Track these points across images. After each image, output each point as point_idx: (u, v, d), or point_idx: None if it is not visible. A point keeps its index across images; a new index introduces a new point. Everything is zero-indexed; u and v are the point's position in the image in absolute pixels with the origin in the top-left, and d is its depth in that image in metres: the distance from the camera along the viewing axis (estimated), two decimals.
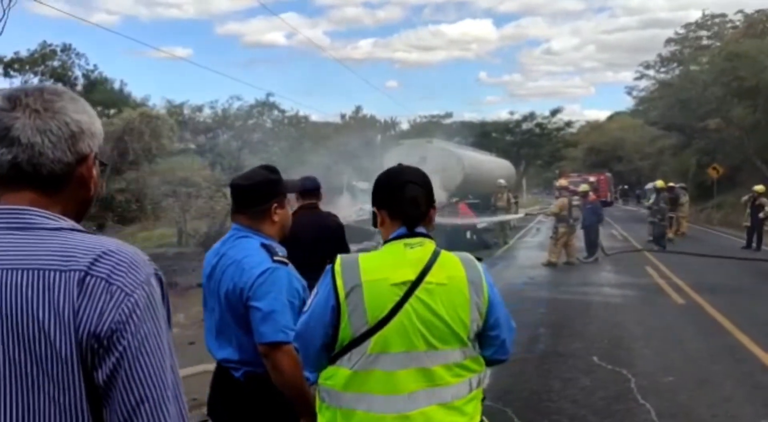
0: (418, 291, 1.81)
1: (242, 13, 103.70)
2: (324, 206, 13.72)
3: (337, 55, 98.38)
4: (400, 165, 2.11)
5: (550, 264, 13.85)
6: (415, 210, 1.92)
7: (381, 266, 1.86)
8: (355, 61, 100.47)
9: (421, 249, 1.88)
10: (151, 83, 75.62)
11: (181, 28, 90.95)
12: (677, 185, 24.00)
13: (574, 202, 14.48)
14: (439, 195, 16.65)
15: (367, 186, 17.04)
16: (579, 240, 15.29)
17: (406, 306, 1.80)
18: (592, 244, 15.17)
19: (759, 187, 17.96)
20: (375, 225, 2.00)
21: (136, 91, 50.31)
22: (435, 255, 1.87)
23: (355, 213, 13.52)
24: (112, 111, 32.86)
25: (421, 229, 1.94)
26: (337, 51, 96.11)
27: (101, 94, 34.18)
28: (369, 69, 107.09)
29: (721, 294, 10.25)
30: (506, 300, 6.84)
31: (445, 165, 18.45)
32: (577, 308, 9.17)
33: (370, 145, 25.54)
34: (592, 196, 15.77)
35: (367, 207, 13.80)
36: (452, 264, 1.89)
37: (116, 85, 36.90)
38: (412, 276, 1.82)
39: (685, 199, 22.98)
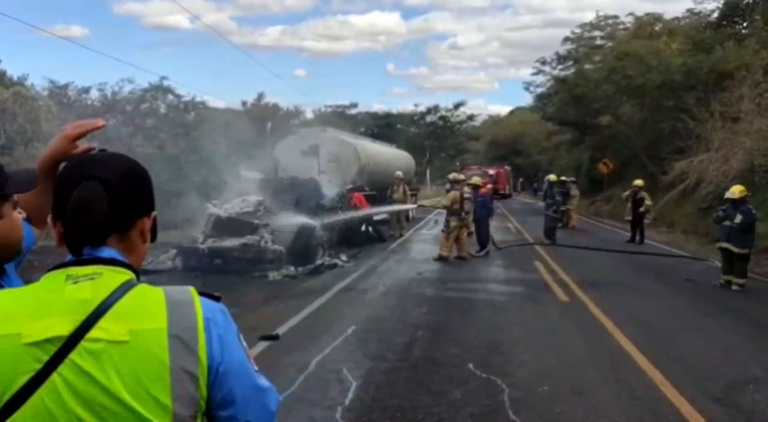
0: (75, 354, 1.13)
1: None
2: (211, 197, 12.69)
3: (243, 41, 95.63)
4: (93, 153, 1.44)
5: (441, 259, 13.55)
6: (82, 219, 1.23)
7: (14, 313, 1.16)
8: (263, 49, 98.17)
9: (92, 284, 1.19)
10: (33, 63, 70.37)
11: (76, 5, 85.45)
12: (568, 179, 24.56)
13: (466, 195, 14.27)
14: (334, 186, 16.14)
15: (256, 175, 16.21)
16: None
17: (53, 378, 1.12)
18: (483, 238, 15.05)
19: (638, 182, 18.41)
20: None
21: (13, 69, 46.41)
22: (116, 295, 1.19)
23: (237, 205, 12.64)
24: None
25: (105, 252, 1.25)
26: (244, 37, 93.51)
27: None
28: (277, 57, 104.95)
29: (604, 290, 10.23)
30: (391, 298, 6.24)
31: (341, 155, 17.88)
32: (460, 307, 8.80)
33: (265, 133, 24.56)
34: (482, 189, 15.60)
35: (252, 198, 13.03)
36: (145, 310, 1.21)
37: None
38: (65, 329, 1.14)
39: (575, 192, 23.55)
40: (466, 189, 14.69)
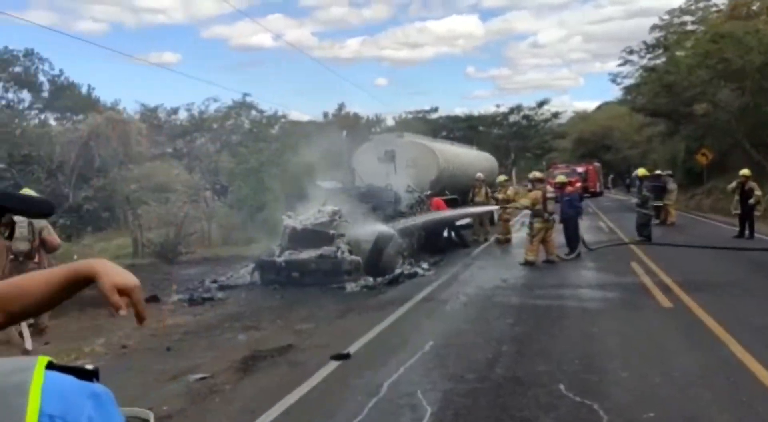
0: None
1: (228, 17, 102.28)
2: (287, 209, 12.54)
3: (325, 54, 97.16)
4: None
5: (527, 264, 12.77)
6: None
7: None
8: (344, 61, 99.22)
9: None
10: (126, 88, 74.29)
11: (167, 33, 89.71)
12: (664, 172, 23.01)
13: (549, 195, 13.41)
14: (412, 192, 15.66)
15: (333, 185, 15.97)
16: (560, 234, 14.27)
17: None
18: (572, 239, 14.12)
19: (745, 171, 16.84)
20: None
21: (107, 95, 48.98)
22: None
23: (313, 216, 12.37)
24: (79, 116, 31.63)
25: None
26: (324, 51, 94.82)
27: (67, 99, 32.99)
28: (357, 68, 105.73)
29: (712, 292, 9.19)
30: (472, 309, 5.52)
31: (419, 160, 17.37)
32: (549, 317, 8.06)
33: (342, 142, 24.47)
34: (569, 187, 14.67)
35: (327, 208, 12.74)
36: None
37: (84, 90, 35.56)
38: None
39: (672, 186, 21.98)
40: (549, 188, 13.84)
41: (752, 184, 16.32)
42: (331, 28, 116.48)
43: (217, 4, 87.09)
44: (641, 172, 18.16)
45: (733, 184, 16.86)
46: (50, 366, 0.79)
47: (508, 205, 16.68)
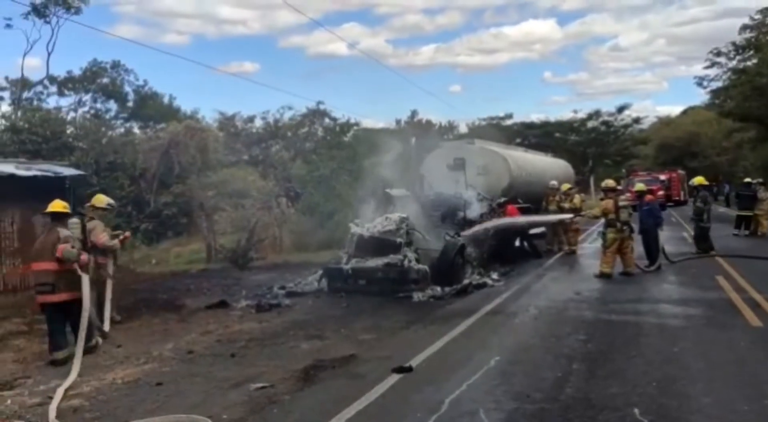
0: None
1: (305, 27, 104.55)
2: (356, 216, 12.52)
3: (399, 62, 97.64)
4: None
5: (603, 276, 12.22)
6: None
7: None
8: (418, 68, 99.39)
9: None
10: (205, 97, 77.15)
11: (246, 44, 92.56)
12: (755, 181, 21.68)
13: (622, 204, 12.79)
14: (483, 199, 15.32)
15: (402, 193, 15.83)
16: (639, 245, 13.61)
17: None
18: (652, 250, 13.43)
19: None
20: None
21: (187, 104, 50.79)
22: None
23: (380, 224, 12.25)
24: (161, 125, 32.89)
25: None
26: (399, 58, 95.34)
27: (150, 108, 34.39)
28: (431, 75, 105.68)
29: None
30: (542, 323, 5.22)
31: (490, 167, 17.03)
32: (625, 334, 7.61)
33: (412, 149, 24.31)
34: (649, 196, 13.94)
35: (394, 216, 12.59)
36: None
37: (166, 100, 37.00)
38: None
39: (763, 195, 20.64)
40: (622, 197, 13.22)
41: None
42: (405, 36, 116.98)
43: (295, 15, 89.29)
44: (698, 180, 16.66)
45: None
46: None
47: (579, 215, 16.09)
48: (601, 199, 13.91)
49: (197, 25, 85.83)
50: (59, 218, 7.78)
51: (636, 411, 4.92)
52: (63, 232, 7.61)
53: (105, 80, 33.82)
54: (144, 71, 68.15)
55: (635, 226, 13.31)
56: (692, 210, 16.12)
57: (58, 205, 7.79)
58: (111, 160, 24.40)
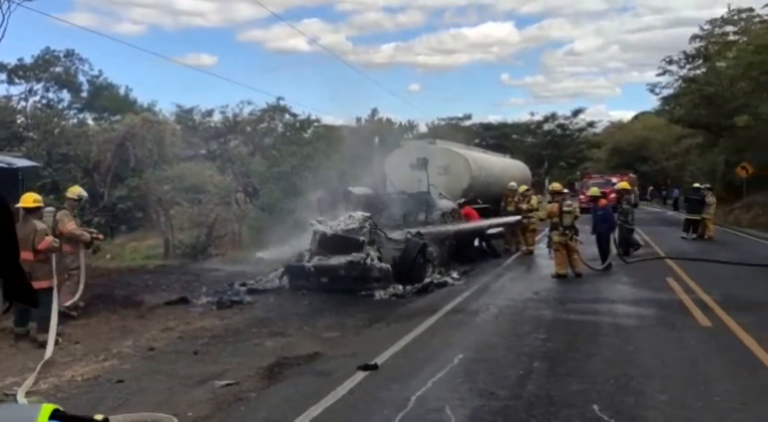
0: None
1: (264, 21, 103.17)
2: (321, 215, 12.49)
3: (359, 59, 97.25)
4: None
5: (559, 277, 12.51)
6: None
7: None
8: (378, 66, 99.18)
9: None
10: (163, 90, 75.61)
11: (204, 36, 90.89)
12: (703, 186, 22.47)
13: (566, 208, 13.12)
14: (444, 199, 15.51)
15: (364, 191, 15.89)
16: (593, 246, 14.00)
17: None
18: (605, 252, 13.81)
19: None
20: None
21: (144, 96, 49.69)
22: None
23: (343, 222, 12.28)
24: (116, 117, 32.14)
25: None
26: (359, 55, 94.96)
27: (105, 99, 33.57)
28: (391, 73, 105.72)
29: (756, 313, 8.86)
30: (503, 321, 5.36)
31: (451, 167, 17.24)
32: (583, 333, 7.84)
33: (374, 147, 24.40)
34: (603, 200, 14.27)
35: (358, 214, 12.64)
36: None
37: (122, 91, 36.12)
38: None
39: (711, 199, 21.42)
40: (569, 201, 13.55)
41: None
42: (365, 33, 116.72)
43: (254, 8, 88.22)
44: (621, 185, 16.46)
45: None
46: (55, 414, 0.71)
47: (531, 216, 16.47)
48: (549, 202, 14.26)
49: (154, 15, 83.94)
50: (32, 211, 8.04)
51: (595, 407, 5.10)
52: (39, 225, 7.85)
53: (58, 69, 32.80)
54: (99, 61, 66.41)
55: (585, 228, 13.68)
56: (620, 212, 16.08)
57: (28, 200, 8.04)
58: (64, 151, 23.76)
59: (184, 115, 37.28)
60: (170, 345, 7.70)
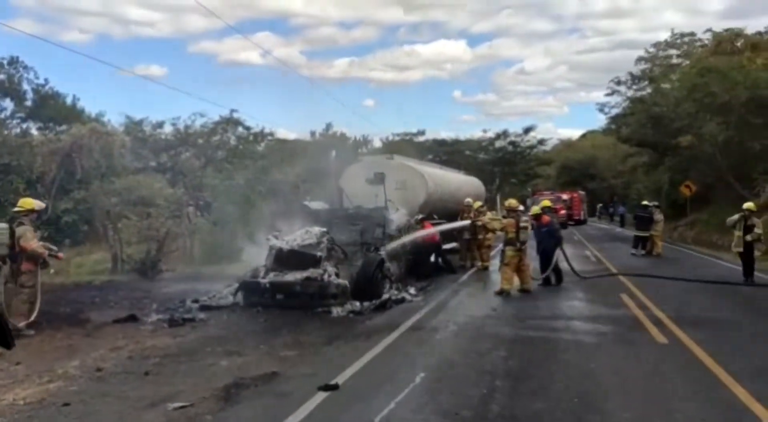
0: None
1: (216, 33, 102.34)
2: (277, 229, 12.23)
3: (312, 73, 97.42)
4: None
5: (503, 293, 12.53)
6: None
7: None
8: (331, 80, 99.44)
9: None
10: (112, 100, 73.72)
11: (154, 47, 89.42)
12: (650, 203, 23.07)
13: (523, 224, 13.24)
14: (401, 215, 15.44)
15: (321, 206, 15.71)
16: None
17: None
18: (545, 266, 13.86)
19: (750, 205, 14.62)
20: None
21: (92, 107, 48.31)
22: None
23: (300, 237, 12.07)
24: (63, 127, 31.09)
25: None
26: (312, 70, 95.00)
27: (51, 109, 32.46)
28: (345, 88, 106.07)
29: (708, 329, 9.01)
30: (463, 339, 5.23)
31: (408, 182, 17.20)
32: (543, 350, 7.83)
33: (330, 162, 24.23)
34: (545, 217, 14.28)
35: (315, 229, 12.45)
36: None
37: (69, 101, 35.00)
38: None
39: (659, 217, 22.01)
40: (524, 218, 13.67)
41: (755, 220, 14.30)
42: (319, 48, 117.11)
43: (206, 20, 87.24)
44: (544, 203, 15.28)
45: (735, 217, 14.44)
46: None
47: (477, 222, 16.65)
48: (504, 218, 14.35)
49: (102, 24, 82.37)
50: None
51: None
52: None
53: (0, 76, 31.61)
54: (45, 69, 64.41)
55: (531, 243, 13.80)
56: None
57: None
58: (6, 161, 22.80)
59: (134, 127, 36.30)
60: (119, 366, 7.36)
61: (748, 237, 13.97)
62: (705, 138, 29.79)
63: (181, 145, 37.69)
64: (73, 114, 33.31)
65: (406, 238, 14.19)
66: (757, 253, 14.49)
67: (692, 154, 32.56)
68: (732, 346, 7.97)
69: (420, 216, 15.90)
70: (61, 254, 10.27)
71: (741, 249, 14.23)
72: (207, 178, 27.76)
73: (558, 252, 13.97)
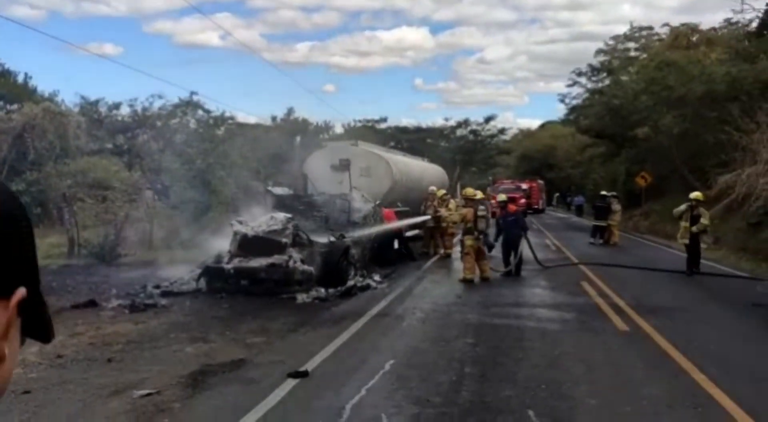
0: None
1: (175, 12, 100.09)
2: (239, 215, 12.05)
3: (273, 57, 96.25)
4: None
5: (465, 281, 12.61)
6: None
7: None
8: (292, 65, 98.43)
9: None
10: (65, 80, 71.49)
11: (109, 25, 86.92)
12: (609, 193, 23.53)
13: (480, 213, 13.31)
14: (366, 202, 15.41)
15: (284, 191, 15.55)
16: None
17: None
18: (510, 257, 13.81)
19: (697, 194, 14.35)
20: None
21: (45, 85, 46.71)
22: None
23: (265, 223, 11.93)
24: (14, 106, 30.03)
25: None
26: (273, 53, 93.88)
27: (2, 87, 31.34)
28: (306, 73, 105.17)
29: (665, 316, 9.26)
30: (430, 326, 5.22)
31: (373, 169, 17.17)
32: (509, 337, 7.93)
33: (294, 148, 24.03)
34: (511, 206, 14.35)
35: (280, 215, 12.33)
36: None
37: (20, 79, 33.82)
38: None
39: (616, 207, 22.47)
40: (482, 207, 13.73)
41: (701, 210, 13.94)
42: (280, 31, 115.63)
43: None
44: (478, 194, 14.67)
45: (682, 208, 14.13)
46: None
47: (445, 220, 16.67)
48: (462, 207, 14.39)
49: (54, 0, 79.55)
50: None
51: (531, 413, 5.12)
52: None
53: None
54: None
55: (492, 232, 13.84)
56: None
57: None
58: None
59: (89, 107, 35.33)
60: (81, 352, 7.18)
61: (694, 229, 13.74)
62: (661, 130, 30.50)
63: (139, 128, 36.81)
64: (25, 93, 32.21)
65: (374, 229, 14.14)
66: (703, 245, 14.37)
67: (648, 146, 33.30)
68: (689, 333, 8.21)
69: (378, 203, 15.78)
70: None
71: (687, 241, 13.98)
72: (166, 162, 27.23)
73: (523, 242, 14.10)
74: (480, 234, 13.15)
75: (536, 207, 48.20)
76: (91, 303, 10.03)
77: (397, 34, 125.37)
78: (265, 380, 6.06)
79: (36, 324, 0.70)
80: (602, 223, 22.25)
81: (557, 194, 62.65)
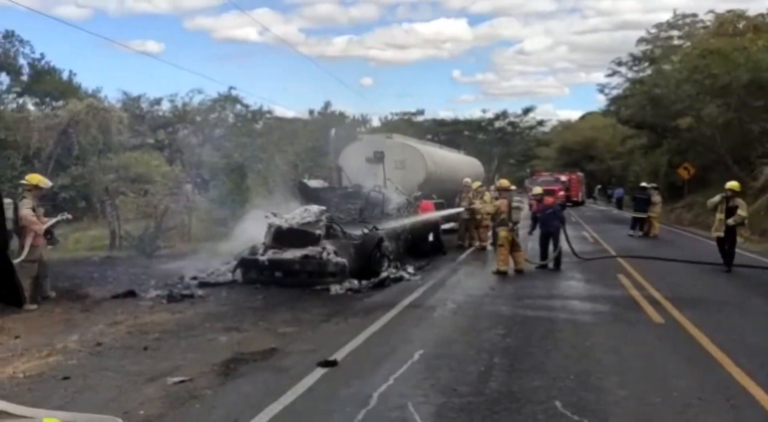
0: None
1: (215, 9, 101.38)
2: (274, 207, 12.27)
3: (311, 51, 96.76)
4: None
5: (499, 273, 12.52)
6: None
7: None
8: (330, 59, 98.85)
9: None
10: (108, 76, 73.22)
11: (151, 22, 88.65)
12: (649, 185, 23.09)
13: (514, 204, 13.16)
14: (400, 194, 15.44)
15: (320, 184, 15.69)
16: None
17: None
18: (548, 250, 13.52)
19: (733, 184, 13.18)
20: None
21: (89, 82, 47.75)
22: None
23: (299, 215, 12.06)
24: (59, 102, 30.85)
25: None
26: (311, 48, 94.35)
27: (48, 84, 32.21)
28: (343, 67, 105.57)
29: (703, 309, 9.08)
30: (461, 317, 5.23)
31: (407, 162, 17.21)
32: (541, 328, 7.87)
33: (329, 140, 24.17)
34: (548, 198, 14.09)
35: (314, 207, 12.45)
36: None
37: (65, 76, 34.72)
38: None
39: (657, 199, 22.03)
40: (517, 197, 13.57)
41: (738, 201, 12.95)
42: (317, 26, 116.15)
43: None
44: (502, 182, 14.63)
45: (716, 199, 13.17)
46: None
47: (471, 208, 16.59)
48: (496, 199, 14.22)
49: None
50: None
51: (558, 404, 5.09)
52: None
53: None
54: (41, 44, 63.81)
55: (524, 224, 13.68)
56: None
57: None
58: (2, 137, 22.73)
59: (131, 103, 36.15)
60: (118, 341, 7.39)
61: (730, 221, 12.79)
62: (704, 120, 29.74)
63: (179, 122, 37.54)
64: (69, 89, 33.08)
65: (408, 220, 14.16)
66: (740, 239, 13.51)
67: (691, 136, 32.51)
68: (726, 325, 8.03)
69: (418, 194, 15.86)
70: (68, 215, 10.86)
71: (721, 234, 13.02)
72: (204, 156, 27.70)
73: (562, 234, 13.90)
74: (515, 225, 13.05)
75: (575, 199, 47.56)
76: (131, 294, 10.31)
77: (435, 27, 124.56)
78: (295, 368, 6.15)
79: (5, 288, 0.75)
80: (642, 215, 21.85)
81: (599, 186, 61.62)
